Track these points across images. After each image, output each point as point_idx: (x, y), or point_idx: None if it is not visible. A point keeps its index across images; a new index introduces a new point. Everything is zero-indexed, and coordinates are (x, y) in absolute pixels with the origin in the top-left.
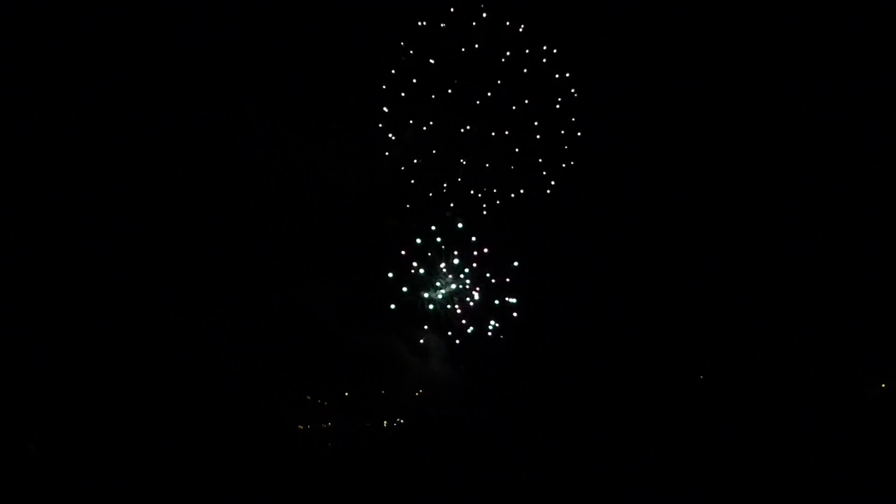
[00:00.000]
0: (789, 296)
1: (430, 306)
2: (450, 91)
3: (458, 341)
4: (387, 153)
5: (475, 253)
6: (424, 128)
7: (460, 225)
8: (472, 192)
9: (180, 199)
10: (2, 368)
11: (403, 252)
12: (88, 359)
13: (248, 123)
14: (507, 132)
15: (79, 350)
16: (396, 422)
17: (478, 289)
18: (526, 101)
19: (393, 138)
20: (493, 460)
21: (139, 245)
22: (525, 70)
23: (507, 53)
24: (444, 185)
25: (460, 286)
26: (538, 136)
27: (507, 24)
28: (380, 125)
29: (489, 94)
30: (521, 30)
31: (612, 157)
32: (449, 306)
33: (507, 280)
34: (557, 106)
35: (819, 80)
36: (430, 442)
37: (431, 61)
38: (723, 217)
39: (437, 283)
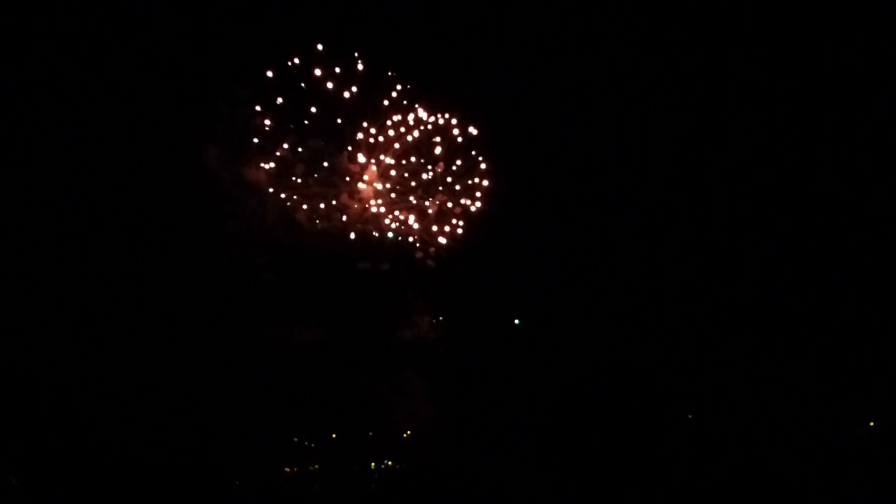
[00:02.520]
0: (782, 333)
1: None
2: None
3: (444, 383)
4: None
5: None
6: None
7: (431, 263)
8: (434, 228)
9: (162, 247)
10: None
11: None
12: (72, 398)
13: (217, 170)
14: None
15: (61, 389)
16: (384, 464)
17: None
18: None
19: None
20: (481, 501)
21: (122, 288)
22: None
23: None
24: (413, 224)
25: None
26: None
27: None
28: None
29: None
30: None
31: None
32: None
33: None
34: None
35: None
36: (418, 484)
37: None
38: (711, 245)
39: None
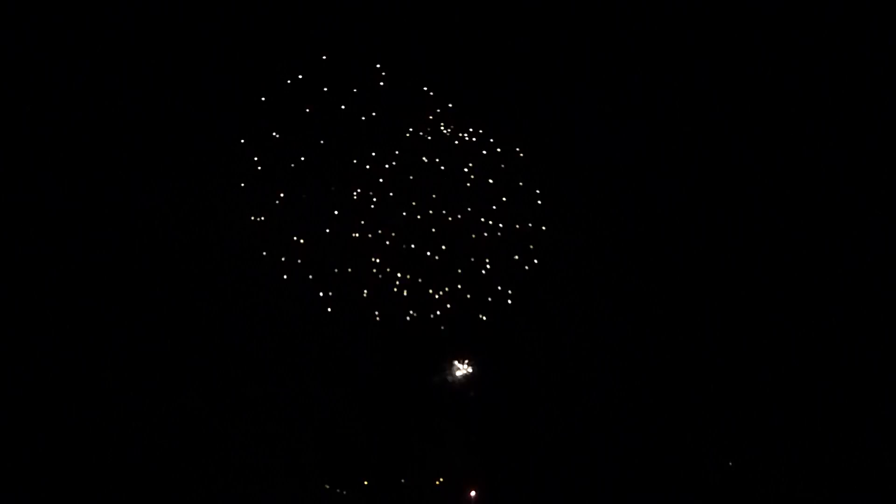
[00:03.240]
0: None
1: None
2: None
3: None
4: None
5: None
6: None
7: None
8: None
9: (192, 301)
10: None
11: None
12: (92, 446)
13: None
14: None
15: (85, 435)
16: None
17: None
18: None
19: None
20: None
21: (149, 329)
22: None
23: None
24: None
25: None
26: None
27: None
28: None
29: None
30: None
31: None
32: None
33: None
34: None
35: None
36: None
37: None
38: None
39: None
